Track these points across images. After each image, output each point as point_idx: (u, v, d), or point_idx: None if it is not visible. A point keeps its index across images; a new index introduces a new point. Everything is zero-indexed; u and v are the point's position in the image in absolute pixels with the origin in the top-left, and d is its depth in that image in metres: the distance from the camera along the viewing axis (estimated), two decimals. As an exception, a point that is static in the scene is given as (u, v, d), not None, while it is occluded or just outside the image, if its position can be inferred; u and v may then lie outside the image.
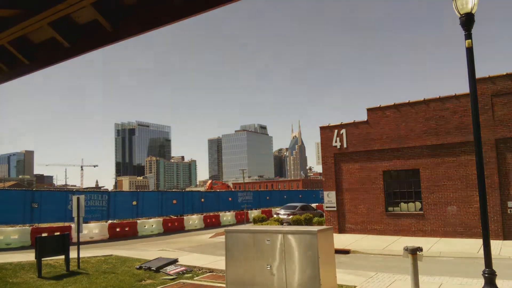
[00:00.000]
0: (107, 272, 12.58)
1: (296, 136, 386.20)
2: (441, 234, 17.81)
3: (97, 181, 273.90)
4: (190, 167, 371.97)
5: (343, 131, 21.46)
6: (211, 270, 12.41)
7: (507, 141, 16.90)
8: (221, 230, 25.13)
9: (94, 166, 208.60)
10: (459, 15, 7.74)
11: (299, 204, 30.14)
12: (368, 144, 20.54)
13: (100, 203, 27.03)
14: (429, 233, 18.07)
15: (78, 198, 13.66)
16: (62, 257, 12.95)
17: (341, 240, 17.57)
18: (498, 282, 7.33)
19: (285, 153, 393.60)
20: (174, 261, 13.29)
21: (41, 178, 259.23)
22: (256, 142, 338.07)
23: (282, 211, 28.54)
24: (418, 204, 19.00)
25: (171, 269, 12.47)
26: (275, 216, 28.58)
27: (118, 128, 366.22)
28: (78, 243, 13.75)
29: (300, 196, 52.01)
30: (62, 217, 24.41)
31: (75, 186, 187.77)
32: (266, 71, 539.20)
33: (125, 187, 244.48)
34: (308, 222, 24.92)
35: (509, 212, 16.53)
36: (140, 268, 12.92)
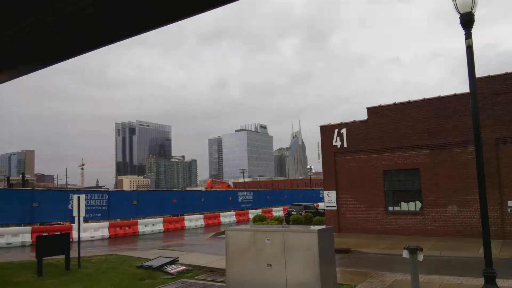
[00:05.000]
0: (108, 271, 12.59)
1: (296, 136, 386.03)
2: (441, 233, 17.80)
3: (97, 181, 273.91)
4: (190, 167, 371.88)
5: (343, 130, 21.46)
6: (211, 269, 12.42)
7: (507, 140, 16.90)
8: (221, 229, 25.15)
9: (82, 167, 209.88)
10: (459, 15, 7.75)
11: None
12: (368, 143, 20.53)
13: (100, 202, 27.03)
14: (429, 233, 18.07)
15: (78, 198, 13.67)
16: (63, 256, 12.96)
17: (341, 240, 17.57)
18: (498, 281, 7.34)
19: (285, 153, 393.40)
20: (174, 260, 13.30)
21: (41, 177, 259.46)
22: (256, 142, 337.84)
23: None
24: (418, 203, 19.00)
25: (171, 268, 12.48)
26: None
27: (118, 128, 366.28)
28: (79, 243, 13.76)
29: (301, 195, 51.99)
30: (62, 216, 24.42)
31: (75, 185, 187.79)
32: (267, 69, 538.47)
33: (126, 186, 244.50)
34: (308, 221, 24.93)
35: (509, 211, 16.52)
36: (141, 267, 12.93)
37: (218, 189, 55.68)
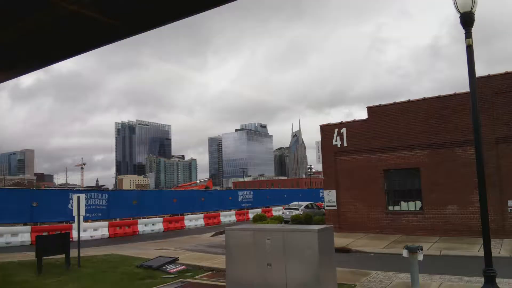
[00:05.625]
0: (108, 271, 12.59)
1: (296, 135, 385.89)
2: (441, 233, 17.80)
3: (97, 180, 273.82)
4: (190, 166, 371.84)
5: (343, 130, 21.45)
6: (211, 269, 12.41)
7: (507, 139, 16.89)
8: (221, 229, 25.13)
9: (81, 166, 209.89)
10: (459, 14, 7.75)
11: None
12: (368, 142, 20.53)
13: (100, 202, 26.99)
14: (429, 232, 18.06)
15: (78, 197, 13.66)
16: (63, 256, 12.95)
17: (341, 239, 17.55)
18: (498, 281, 7.34)
19: (285, 152, 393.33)
20: (174, 260, 13.30)
21: (41, 177, 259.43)
22: (256, 141, 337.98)
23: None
24: (418, 203, 19.00)
25: (171, 268, 12.48)
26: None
27: (118, 127, 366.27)
28: (79, 242, 13.75)
29: (300, 195, 51.92)
30: (62, 216, 24.39)
31: (75, 185, 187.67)
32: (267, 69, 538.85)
33: (126, 186, 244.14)
34: (309, 220, 24.92)
35: (509, 211, 16.52)
36: (141, 266, 12.93)
37: (195, 189, 56.20)
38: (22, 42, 6.53)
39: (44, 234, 19.60)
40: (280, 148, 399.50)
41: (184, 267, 12.67)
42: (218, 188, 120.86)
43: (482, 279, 7.41)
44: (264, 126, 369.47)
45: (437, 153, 18.52)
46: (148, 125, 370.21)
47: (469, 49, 7.72)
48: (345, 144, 21.33)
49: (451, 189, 17.94)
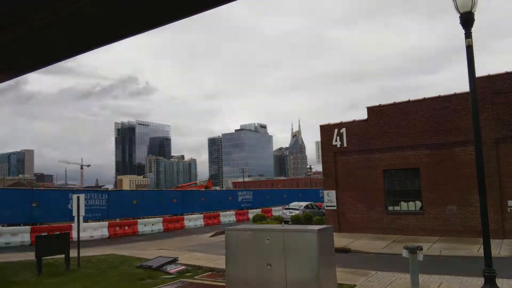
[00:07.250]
0: (107, 271, 12.59)
1: (296, 135, 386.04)
2: (441, 233, 17.80)
3: (97, 180, 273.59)
4: (190, 166, 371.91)
5: (343, 130, 21.44)
6: (211, 269, 12.41)
7: (507, 140, 16.89)
8: (221, 229, 25.12)
9: (88, 166, 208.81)
10: (459, 14, 7.75)
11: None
12: (368, 143, 20.52)
13: (100, 202, 27.00)
14: (429, 232, 18.05)
15: (78, 197, 13.66)
16: (62, 256, 12.95)
17: (341, 239, 17.56)
18: (498, 281, 7.34)
19: (285, 152, 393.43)
20: (174, 260, 13.30)
21: (41, 177, 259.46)
22: (256, 141, 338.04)
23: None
24: (418, 203, 18.99)
25: (171, 268, 12.48)
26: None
27: (118, 127, 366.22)
28: (78, 242, 13.75)
29: (300, 195, 51.97)
30: (62, 216, 24.38)
31: (75, 185, 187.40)
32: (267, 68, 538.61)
33: (125, 186, 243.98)
34: (308, 221, 24.94)
35: (509, 211, 16.52)
36: (140, 267, 12.93)
37: (195, 189, 56.02)
38: (21, 42, 6.53)
39: (44, 234, 19.59)
40: (280, 149, 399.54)
41: (184, 267, 12.67)
42: (218, 188, 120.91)
43: (482, 279, 7.40)
44: (264, 126, 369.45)
45: (437, 153, 18.51)
46: (148, 125, 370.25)
47: (469, 49, 7.72)
48: (345, 144, 21.32)
49: (451, 189, 17.93)
